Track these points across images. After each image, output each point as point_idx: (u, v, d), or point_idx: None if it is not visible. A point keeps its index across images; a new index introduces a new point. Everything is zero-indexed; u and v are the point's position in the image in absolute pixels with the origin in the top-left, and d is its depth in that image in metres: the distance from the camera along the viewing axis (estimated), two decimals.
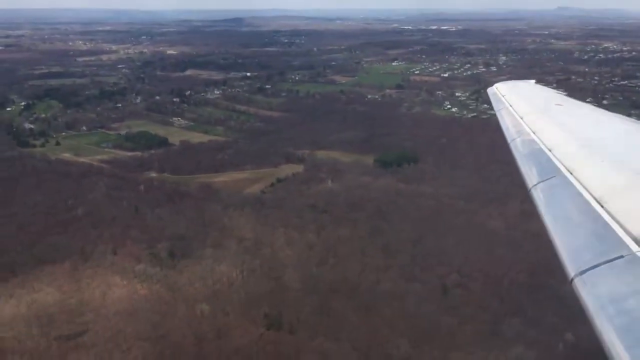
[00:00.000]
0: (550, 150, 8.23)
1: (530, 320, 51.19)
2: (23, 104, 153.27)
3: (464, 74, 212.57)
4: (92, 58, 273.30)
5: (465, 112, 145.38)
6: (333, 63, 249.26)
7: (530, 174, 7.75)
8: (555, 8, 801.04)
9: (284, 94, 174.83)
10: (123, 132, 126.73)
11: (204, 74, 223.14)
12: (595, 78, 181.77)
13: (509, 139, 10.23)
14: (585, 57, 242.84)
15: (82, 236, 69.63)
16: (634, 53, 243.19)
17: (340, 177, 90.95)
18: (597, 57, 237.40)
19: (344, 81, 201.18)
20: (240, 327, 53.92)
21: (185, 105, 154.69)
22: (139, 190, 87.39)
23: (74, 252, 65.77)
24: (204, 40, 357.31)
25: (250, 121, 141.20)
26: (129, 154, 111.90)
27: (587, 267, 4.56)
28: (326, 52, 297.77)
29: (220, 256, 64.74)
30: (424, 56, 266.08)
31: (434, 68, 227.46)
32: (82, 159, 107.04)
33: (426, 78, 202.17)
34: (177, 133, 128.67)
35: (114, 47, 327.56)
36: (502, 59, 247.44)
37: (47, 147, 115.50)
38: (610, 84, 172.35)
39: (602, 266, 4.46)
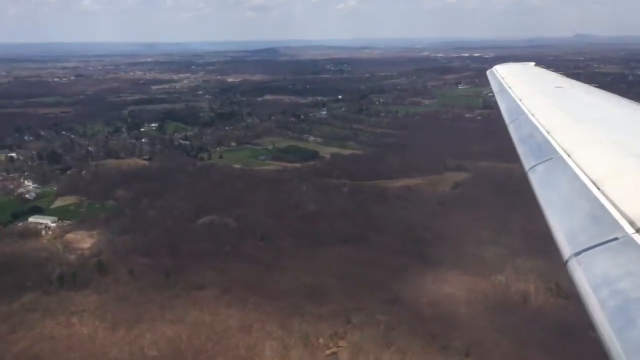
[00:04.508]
0: (548, 132, 8.22)
1: None
2: (153, 125, 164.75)
3: None
4: (166, 86, 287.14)
5: None
6: (399, 87, 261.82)
7: (527, 156, 7.78)
8: (572, 35, 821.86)
9: (383, 114, 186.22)
10: (269, 147, 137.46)
11: (285, 99, 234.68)
12: None
13: (507, 121, 10.35)
14: None
15: (339, 225, 79.46)
16: None
17: (518, 179, 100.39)
18: None
19: (426, 102, 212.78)
20: (537, 294, 63.22)
21: (304, 124, 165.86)
22: (342, 192, 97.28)
23: (342, 237, 75.56)
24: (256, 69, 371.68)
25: (374, 137, 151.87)
26: (292, 165, 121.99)
27: (582, 249, 4.58)
28: (382, 78, 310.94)
29: (477, 238, 74.19)
30: (482, 80, 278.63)
31: None
32: (256, 169, 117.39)
33: None
34: (318, 147, 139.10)
35: (174, 77, 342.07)
36: None
37: (213, 159, 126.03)
38: None
39: (597, 248, 4.47)
